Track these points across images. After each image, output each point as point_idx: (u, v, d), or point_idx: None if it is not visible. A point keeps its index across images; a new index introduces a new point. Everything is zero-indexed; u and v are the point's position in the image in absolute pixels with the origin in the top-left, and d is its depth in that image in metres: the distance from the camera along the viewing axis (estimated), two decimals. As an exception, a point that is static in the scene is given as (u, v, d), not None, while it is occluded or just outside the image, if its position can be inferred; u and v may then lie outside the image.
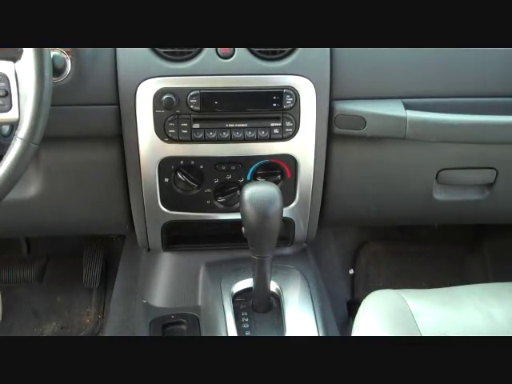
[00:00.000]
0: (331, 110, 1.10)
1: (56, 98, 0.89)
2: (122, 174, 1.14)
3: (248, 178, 1.14)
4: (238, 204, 1.14)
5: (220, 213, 1.19)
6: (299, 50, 1.05)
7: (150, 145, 1.08)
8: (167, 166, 1.11)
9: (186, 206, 1.17)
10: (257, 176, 1.15)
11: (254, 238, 1.03)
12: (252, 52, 1.04)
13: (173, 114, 1.05)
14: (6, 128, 1.04)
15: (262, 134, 1.08)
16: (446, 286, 1.08)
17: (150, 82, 1.03)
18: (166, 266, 1.33)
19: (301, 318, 1.15)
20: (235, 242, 1.24)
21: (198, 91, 1.03)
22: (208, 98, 1.04)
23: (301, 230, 1.24)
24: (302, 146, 1.11)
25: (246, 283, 1.21)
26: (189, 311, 1.25)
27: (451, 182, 1.23)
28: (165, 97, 1.03)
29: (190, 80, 1.04)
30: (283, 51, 1.05)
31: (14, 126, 1.00)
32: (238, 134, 1.07)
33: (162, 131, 1.06)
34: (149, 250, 1.33)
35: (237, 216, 1.09)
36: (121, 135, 1.08)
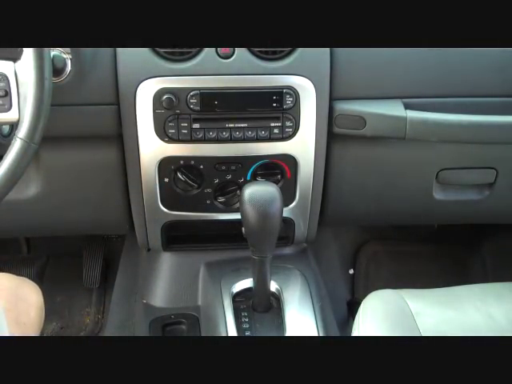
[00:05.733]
0: (331, 109, 1.10)
1: (56, 98, 0.89)
2: (121, 174, 1.14)
3: (248, 177, 1.14)
4: (237, 204, 1.15)
5: (220, 213, 1.19)
6: (299, 50, 1.05)
7: (149, 145, 1.08)
8: (167, 165, 1.11)
9: (185, 206, 1.17)
10: (257, 176, 1.15)
11: (254, 237, 1.03)
12: (252, 52, 1.04)
13: (173, 113, 1.05)
14: (6, 128, 1.04)
15: (262, 133, 1.08)
16: (446, 286, 1.08)
17: (149, 82, 1.03)
18: (166, 266, 1.33)
19: (301, 318, 1.14)
20: (235, 242, 1.24)
21: (198, 91, 1.03)
22: (208, 97, 1.04)
23: (301, 229, 1.24)
24: (302, 146, 1.11)
25: (246, 283, 1.21)
26: (189, 311, 1.25)
27: (451, 181, 1.23)
28: (165, 97, 1.03)
29: (190, 80, 1.04)
30: (283, 51, 1.05)
31: (14, 126, 1.00)
32: (237, 134, 1.07)
33: (161, 131, 1.06)
34: (149, 249, 1.33)
35: (237, 216, 1.09)
36: (121, 135, 1.08)
